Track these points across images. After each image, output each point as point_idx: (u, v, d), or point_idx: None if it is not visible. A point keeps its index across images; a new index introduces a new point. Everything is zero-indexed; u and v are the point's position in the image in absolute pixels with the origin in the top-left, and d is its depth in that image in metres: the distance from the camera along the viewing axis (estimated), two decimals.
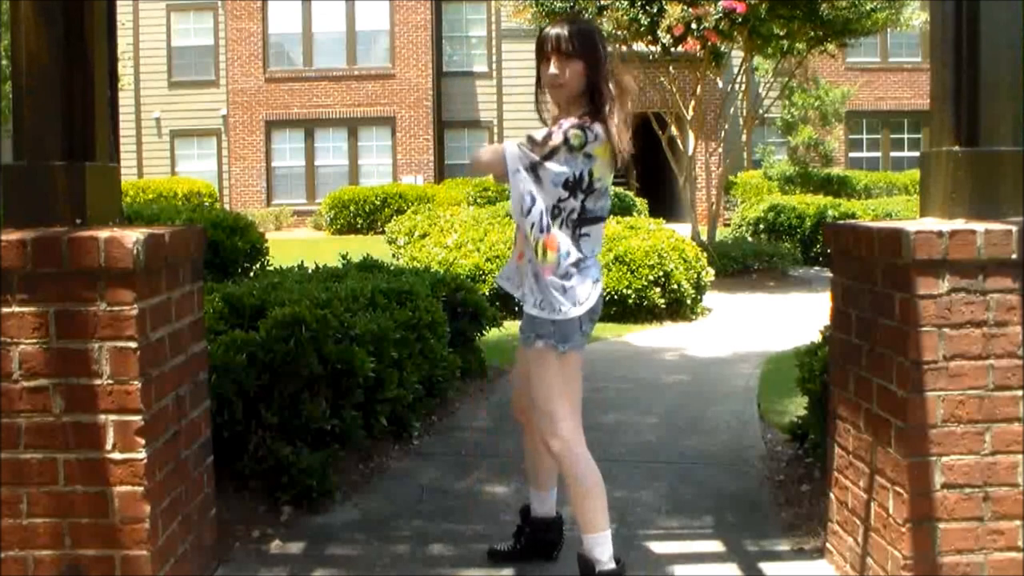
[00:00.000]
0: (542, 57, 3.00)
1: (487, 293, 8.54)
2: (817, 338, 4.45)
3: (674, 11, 12.32)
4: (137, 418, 2.68)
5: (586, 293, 2.95)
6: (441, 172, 24.27)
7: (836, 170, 23.43)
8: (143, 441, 2.68)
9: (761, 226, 16.87)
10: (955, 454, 2.78)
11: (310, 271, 5.74)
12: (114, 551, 2.70)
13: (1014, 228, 2.75)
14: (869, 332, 3.03)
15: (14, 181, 2.88)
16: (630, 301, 9.60)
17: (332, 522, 3.81)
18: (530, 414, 3.20)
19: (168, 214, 6.53)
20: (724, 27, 12.40)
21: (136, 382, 2.67)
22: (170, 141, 25.09)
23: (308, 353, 4.02)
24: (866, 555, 3.05)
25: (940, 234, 2.73)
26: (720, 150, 17.88)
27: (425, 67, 23.86)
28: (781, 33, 13.56)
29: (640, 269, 9.74)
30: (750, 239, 16.38)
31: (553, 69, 2.96)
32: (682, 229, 13.50)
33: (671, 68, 15.18)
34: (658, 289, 9.78)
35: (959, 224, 2.80)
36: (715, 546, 3.59)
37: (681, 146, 15.64)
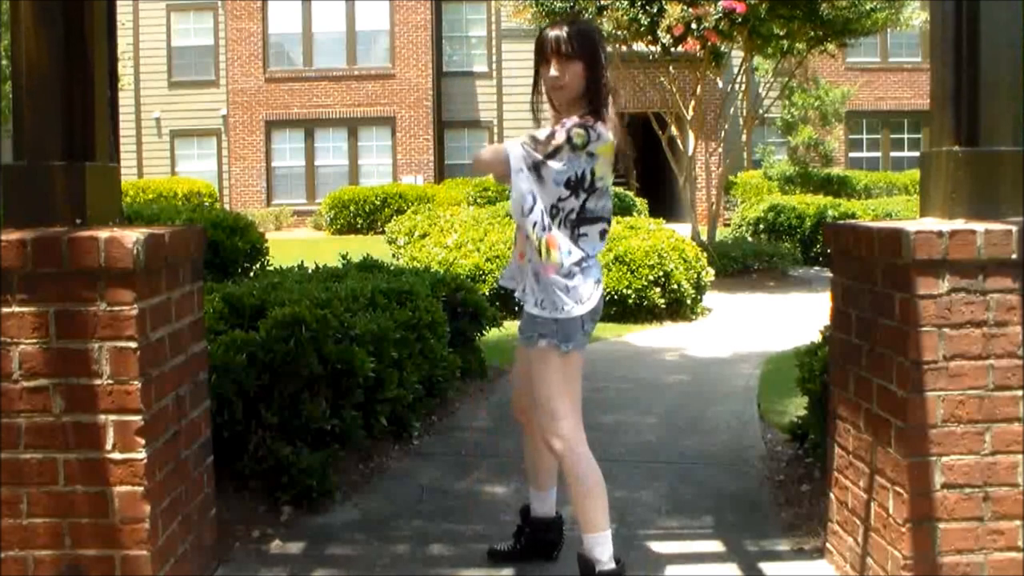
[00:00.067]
0: (542, 60, 3.01)
1: (487, 293, 8.55)
2: (817, 338, 4.45)
3: (674, 11, 12.32)
4: (137, 418, 2.68)
5: (588, 292, 2.95)
6: (441, 172, 24.27)
7: (836, 170, 23.43)
8: (143, 441, 2.68)
9: (761, 226, 16.87)
10: (955, 454, 2.78)
11: (310, 271, 5.74)
12: (114, 551, 2.70)
13: (1014, 228, 2.75)
14: (869, 332, 3.03)
15: (14, 181, 2.88)
16: (630, 301, 9.60)
17: (332, 522, 3.81)
18: (530, 414, 3.20)
19: (168, 214, 6.53)
20: (724, 27, 12.39)
21: (136, 382, 2.67)
22: (170, 141, 25.09)
23: (308, 353, 4.02)
24: (866, 555, 3.05)
25: (940, 234, 2.73)
26: (720, 150, 17.88)
27: (425, 67, 23.86)
28: (781, 33, 13.56)
29: (640, 269, 9.74)
30: (750, 239, 16.38)
31: (554, 71, 2.97)
32: (682, 229, 13.50)
33: (671, 68, 15.17)
34: (658, 289, 9.78)
35: (959, 224, 2.80)
36: (715, 546, 3.59)
37: (681, 146, 15.64)
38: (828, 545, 3.39)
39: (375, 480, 4.31)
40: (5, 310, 2.66)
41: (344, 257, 6.44)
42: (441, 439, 5.00)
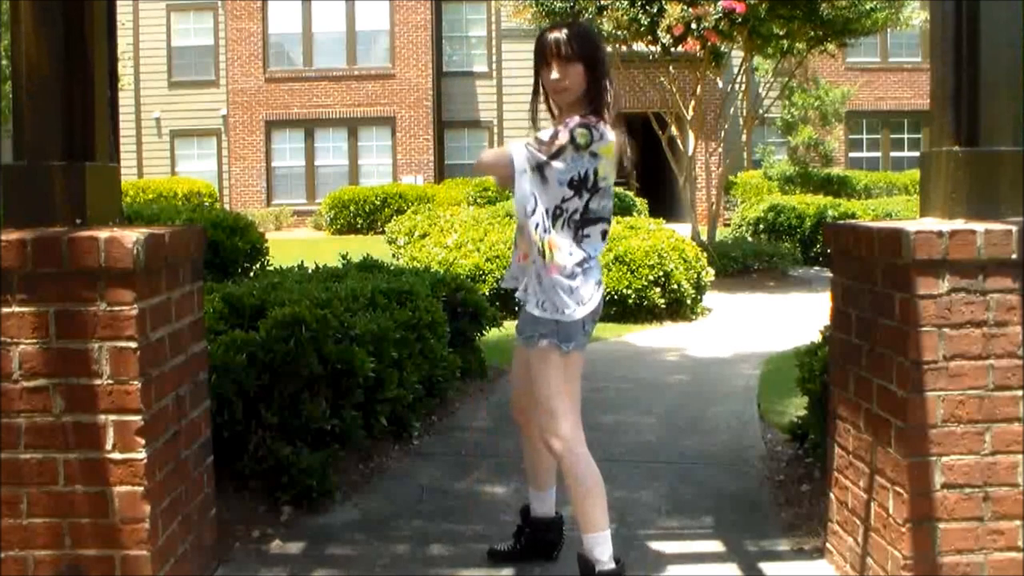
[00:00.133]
0: (542, 62, 3.01)
1: (487, 293, 8.55)
2: (817, 338, 4.45)
3: (674, 11, 12.32)
4: (137, 418, 2.68)
5: (589, 293, 2.96)
6: (441, 172, 24.27)
7: (836, 170, 23.43)
8: (143, 441, 2.68)
9: (761, 226, 16.87)
10: (955, 454, 2.78)
11: (310, 271, 5.74)
12: (114, 551, 2.70)
13: (1014, 228, 2.75)
14: (869, 332, 3.03)
15: (14, 181, 2.88)
16: (630, 301, 9.60)
17: (332, 522, 3.81)
18: (529, 414, 3.20)
19: (168, 214, 6.53)
20: (724, 27, 12.39)
21: (136, 382, 2.67)
22: (170, 141, 25.09)
23: (308, 353, 4.02)
24: (866, 555, 3.05)
25: (940, 234, 2.73)
26: (720, 150, 17.88)
27: (425, 67, 23.86)
28: (781, 33, 13.56)
29: (640, 269, 9.74)
30: (750, 239, 16.38)
31: (555, 74, 2.97)
32: (682, 229, 13.50)
33: (671, 68, 15.17)
34: (658, 289, 9.78)
35: (959, 224, 2.80)
36: (715, 546, 3.59)
37: (681, 146, 15.64)
38: (828, 545, 3.39)
39: (375, 480, 4.31)
40: (5, 310, 2.66)
41: (344, 257, 6.44)
42: (441, 439, 5.00)
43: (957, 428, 2.77)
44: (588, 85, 2.97)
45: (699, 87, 14.91)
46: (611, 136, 2.94)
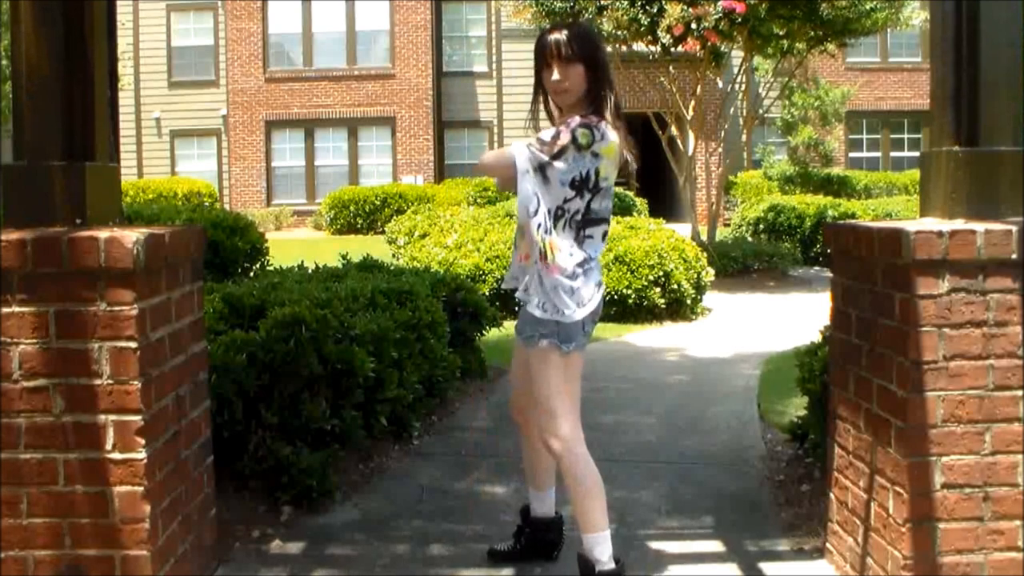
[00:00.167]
0: (543, 64, 3.01)
1: (487, 293, 8.56)
2: (817, 338, 4.45)
3: (674, 11, 12.32)
4: (137, 418, 2.68)
5: (590, 295, 2.96)
6: (441, 172, 24.27)
7: (836, 170, 23.43)
8: (143, 441, 2.68)
9: (761, 226, 16.87)
10: (955, 454, 2.78)
11: (310, 271, 5.74)
12: (114, 551, 2.70)
13: (1014, 228, 2.75)
14: (869, 332, 3.03)
15: (14, 181, 2.88)
16: (630, 301, 9.60)
17: (332, 522, 3.81)
18: (528, 414, 3.21)
19: (168, 214, 6.53)
20: (724, 27, 12.39)
21: (136, 382, 2.67)
22: (170, 141, 25.08)
23: (308, 353, 4.02)
24: (866, 555, 3.05)
25: (940, 234, 2.73)
26: (720, 150, 17.88)
27: (425, 67, 23.86)
28: (781, 33, 13.56)
29: (640, 269, 9.74)
30: (750, 239, 16.38)
31: (556, 75, 2.97)
32: (682, 229, 13.50)
33: (671, 68, 15.17)
34: (658, 289, 9.78)
35: (959, 224, 2.80)
36: (715, 546, 3.59)
37: (681, 146, 15.64)
38: (828, 545, 3.39)
39: (375, 480, 4.31)
40: (5, 310, 2.66)
41: (344, 257, 6.45)
42: (441, 439, 5.00)
43: (957, 428, 2.77)
44: (589, 86, 2.98)
45: (699, 87, 14.91)
46: (612, 136, 2.94)
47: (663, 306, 9.83)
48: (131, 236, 2.64)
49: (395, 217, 16.11)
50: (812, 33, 13.48)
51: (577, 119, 2.93)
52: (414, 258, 11.04)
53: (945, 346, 2.75)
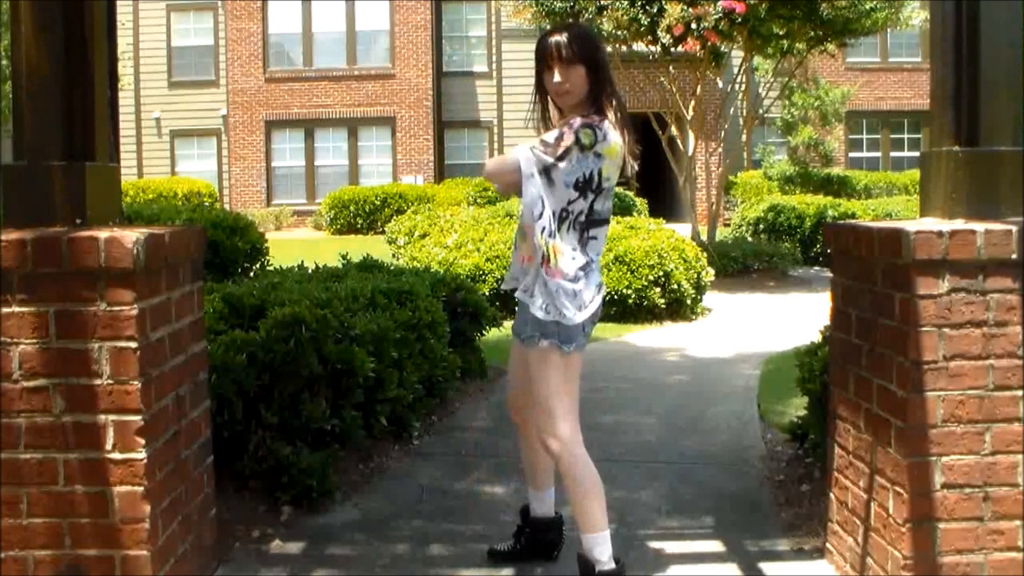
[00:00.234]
0: (543, 66, 3.01)
1: (487, 293, 8.55)
2: (817, 338, 4.45)
3: (674, 11, 12.32)
4: (137, 418, 2.68)
5: (591, 297, 2.97)
6: (441, 172, 24.27)
7: (836, 170, 23.43)
8: (143, 441, 2.68)
9: (761, 226, 16.87)
10: (955, 454, 2.78)
11: (310, 271, 5.74)
12: (114, 551, 2.70)
13: (1014, 228, 2.75)
14: (869, 332, 3.03)
15: (14, 181, 2.88)
16: (630, 301, 9.60)
17: (332, 522, 3.81)
18: (525, 414, 3.21)
19: (168, 214, 6.53)
20: (724, 27, 12.40)
21: (136, 382, 2.67)
22: (170, 141, 25.08)
23: (308, 353, 4.02)
24: (866, 555, 3.05)
25: (940, 234, 2.73)
26: (720, 150, 17.88)
27: (425, 67, 23.86)
28: (781, 33, 13.56)
29: (640, 269, 9.74)
30: (750, 239, 16.38)
31: (557, 77, 2.97)
32: (682, 229, 13.50)
33: (671, 68, 15.17)
34: (658, 289, 9.78)
35: (959, 224, 2.80)
36: (715, 546, 3.59)
37: (681, 146, 15.64)
38: (828, 545, 3.39)
39: (375, 480, 4.31)
40: (5, 310, 2.66)
41: (344, 257, 6.44)
42: (441, 439, 5.00)
43: (957, 428, 2.77)
44: (590, 87, 2.98)
45: (699, 87, 14.92)
46: (614, 136, 2.94)
47: (663, 306, 9.83)
48: (131, 236, 2.64)
49: (395, 217, 16.11)
50: (812, 33, 13.48)
51: (579, 119, 2.92)
52: (414, 258, 11.04)
53: (945, 346, 2.75)
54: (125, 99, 22.46)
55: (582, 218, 2.96)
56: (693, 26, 12.39)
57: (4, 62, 16.77)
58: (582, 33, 3.04)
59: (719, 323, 10.09)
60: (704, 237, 15.03)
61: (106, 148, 3.01)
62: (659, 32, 12.60)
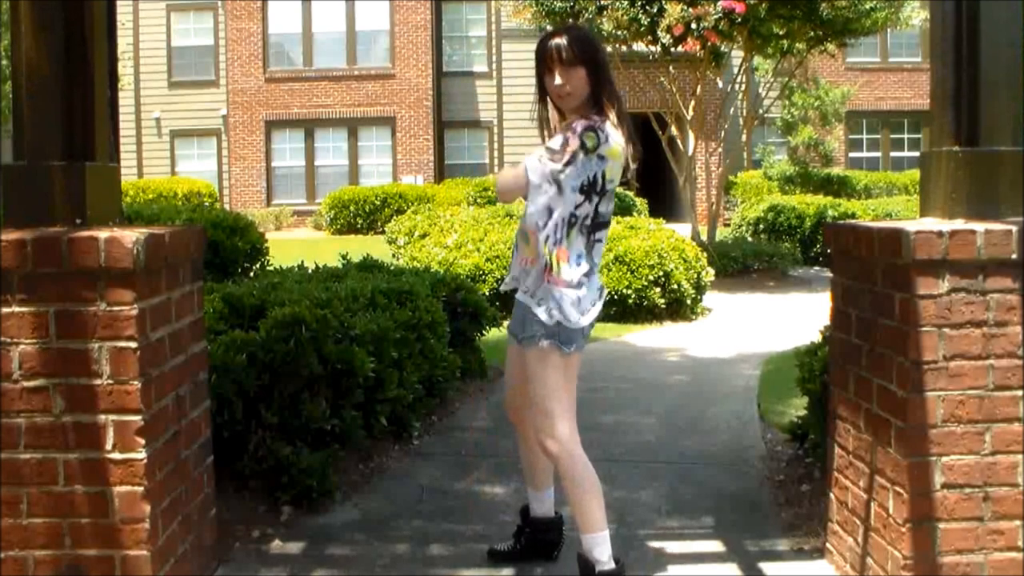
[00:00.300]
0: (544, 69, 3.01)
1: (487, 293, 8.55)
2: (817, 338, 4.45)
3: (674, 11, 12.32)
4: (137, 418, 2.68)
5: (592, 301, 2.99)
6: (441, 172, 24.27)
7: (836, 170, 23.44)
8: (143, 441, 2.68)
9: (761, 226, 16.88)
10: (955, 454, 2.78)
11: (310, 271, 5.74)
12: (114, 551, 2.70)
13: (1014, 228, 2.75)
14: (869, 332, 3.03)
15: (14, 181, 2.88)
16: (630, 301, 9.60)
17: (332, 522, 3.81)
18: (523, 414, 3.21)
19: (168, 214, 6.53)
20: (724, 27, 12.40)
21: (136, 382, 2.67)
22: (170, 141, 25.08)
23: (308, 353, 4.02)
24: (866, 555, 3.05)
25: (940, 234, 2.73)
26: (720, 150, 17.88)
27: (425, 67, 23.86)
28: (781, 33, 13.56)
29: (640, 269, 9.75)
30: (750, 239, 16.39)
31: (558, 79, 2.97)
32: (682, 229, 13.50)
33: (671, 68, 15.17)
34: (658, 289, 9.78)
35: (959, 224, 2.80)
36: (715, 546, 3.59)
37: (681, 146, 15.64)
38: (828, 545, 3.39)
39: (375, 480, 4.31)
40: (5, 310, 2.66)
41: (344, 257, 6.44)
42: (441, 439, 5.00)
43: (957, 428, 2.77)
44: (591, 88, 2.98)
45: (699, 87, 14.92)
46: (615, 137, 2.94)
47: (663, 306, 9.84)
48: (131, 236, 2.64)
49: (395, 217, 16.11)
50: (812, 33, 13.48)
51: (581, 122, 2.92)
52: (414, 258, 11.04)
53: (945, 346, 2.75)
54: (125, 99, 22.46)
55: (588, 222, 2.97)
56: (693, 26, 12.39)
57: (4, 62, 16.77)
58: (582, 35, 3.04)
59: (719, 323, 10.09)
60: (704, 237, 15.03)
61: (106, 148, 3.01)
62: (659, 32, 12.60)
